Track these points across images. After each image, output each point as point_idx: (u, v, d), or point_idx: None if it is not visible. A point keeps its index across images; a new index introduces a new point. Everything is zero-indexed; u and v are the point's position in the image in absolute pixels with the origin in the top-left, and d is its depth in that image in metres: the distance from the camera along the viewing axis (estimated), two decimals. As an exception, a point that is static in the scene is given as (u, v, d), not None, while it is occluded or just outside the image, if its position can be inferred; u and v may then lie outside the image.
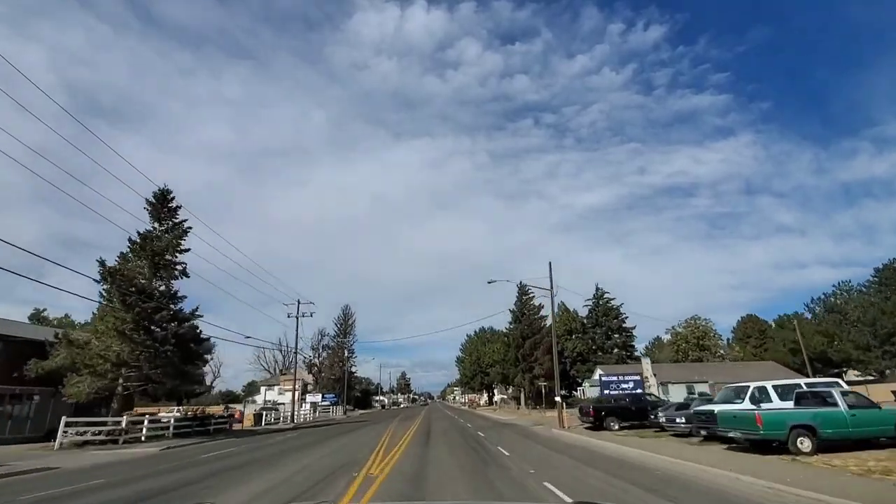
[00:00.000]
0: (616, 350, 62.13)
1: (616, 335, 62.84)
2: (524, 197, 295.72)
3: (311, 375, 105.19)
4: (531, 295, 63.76)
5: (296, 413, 43.09)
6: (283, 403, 72.78)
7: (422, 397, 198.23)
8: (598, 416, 22.63)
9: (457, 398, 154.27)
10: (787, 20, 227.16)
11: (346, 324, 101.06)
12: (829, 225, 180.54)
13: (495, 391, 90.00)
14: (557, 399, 25.04)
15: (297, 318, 39.97)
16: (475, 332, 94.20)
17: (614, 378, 26.81)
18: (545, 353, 59.72)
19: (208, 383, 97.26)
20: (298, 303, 40.40)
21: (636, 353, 66.05)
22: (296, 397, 46.73)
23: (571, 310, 67.93)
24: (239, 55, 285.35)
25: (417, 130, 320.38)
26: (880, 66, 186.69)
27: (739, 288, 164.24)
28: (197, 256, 31.57)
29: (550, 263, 27.54)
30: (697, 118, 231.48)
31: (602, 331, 62.56)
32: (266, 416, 39.14)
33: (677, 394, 44.62)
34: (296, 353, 39.88)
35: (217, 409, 40.79)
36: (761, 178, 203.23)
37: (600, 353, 62.49)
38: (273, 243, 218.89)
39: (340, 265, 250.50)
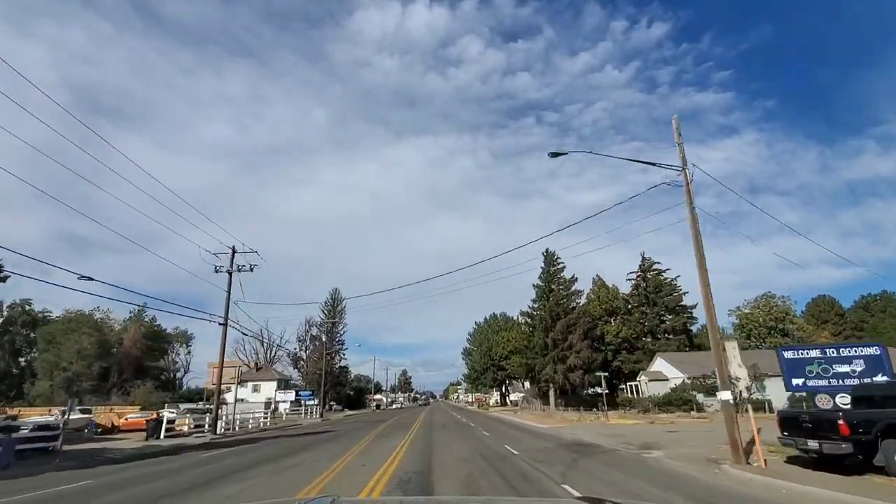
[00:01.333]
0: (669, 336, 48.13)
1: (670, 316, 48.85)
2: (526, 196, 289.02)
3: (296, 370, 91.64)
4: (560, 265, 49.91)
5: (236, 415, 29.47)
6: (244, 400, 59.20)
7: (423, 396, 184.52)
8: (864, 442, 8.76)
9: (460, 397, 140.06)
10: (791, 17, 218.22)
11: (334, 310, 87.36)
12: (834, 224, 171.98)
13: (509, 388, 76.01)
14: (743, 392, 11.17)
15: (230, 274, 26.03)
16: (485, 318, 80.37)
17: (813, 354, 12.88)
18: (582, 339, 45.78)
19: (173, 378, 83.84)
20: (233, 251, 26.43)
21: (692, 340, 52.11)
22: (234, 394, 33.18)
23: (611, 286, 53.98)
24: (240, 53, 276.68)
25: (419, 129, 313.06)
26: (886, 63, 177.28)
27: (742, 287, 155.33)
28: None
29: (676, 117, 13.58)
30: (701, 116, 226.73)
31: (654, 311, 48.55)
32: (180, 421, 25.31)
33: (777, 390, 30.80)
34: (225, 323, 25.56)
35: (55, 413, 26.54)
36: (765, 176, 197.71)
37: (650, 339, 48.58)
38: (273, 242, 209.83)
39: (341, 264, 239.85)
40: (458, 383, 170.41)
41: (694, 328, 49.10)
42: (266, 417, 36.49)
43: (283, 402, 53.65)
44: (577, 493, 7.89)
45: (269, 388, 69.94)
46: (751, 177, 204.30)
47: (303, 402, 54.50)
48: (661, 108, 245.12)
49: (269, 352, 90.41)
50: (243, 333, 30.87)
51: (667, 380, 38.70)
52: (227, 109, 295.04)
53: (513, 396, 69.49)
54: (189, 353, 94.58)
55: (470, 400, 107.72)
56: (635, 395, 41.38)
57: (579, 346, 44.12)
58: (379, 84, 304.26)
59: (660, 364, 40.16)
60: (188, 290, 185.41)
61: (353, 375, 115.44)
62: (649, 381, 39.12)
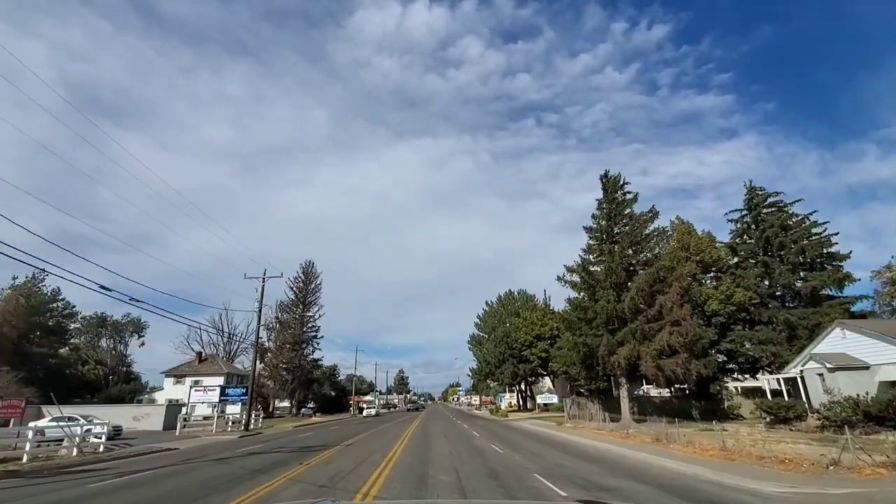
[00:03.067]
0: (824, 303, 30.07)
1: (805, 272, 30.84)
2: (526, 197, 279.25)
3: (262, 364, 73.48)
4: (630, 194, 31.73)
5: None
6: (178, 401, 41.38)
7: (420, 398, 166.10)
8: None
9: (461, 399, 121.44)
10: (793, 19, 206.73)
11: (306, 289, 69.25)
12: (834, 228, 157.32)
13: (533, 387, 57.79)
14: None
15: None
16: (498, 297, 62.34)
17: None
18: (680, 303, 27.91)
19: (105, 373, 65.70)
20: None
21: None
22: None
23: (701, 232, 36.01)
24: (240, 53, 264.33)
25: (419, 130, 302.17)
26: (887, 66, 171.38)
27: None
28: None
29: None
30: (701, 119, 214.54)
31: (783, 262, 30.52)
32: None
33: None
34: None
35: None
36: (766, 180, 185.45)
37: (772, 306, 30.58)
38: (274, 242, 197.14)
39: (341, 264, 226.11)
40: (458, 384, 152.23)
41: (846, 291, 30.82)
42: (102, 436, 18.41)
43: (201, 403, 35.70)
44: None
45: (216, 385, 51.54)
46: (751, 179, 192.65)
47: (273, 407, 36.70)
48: (662, 111, 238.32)
49: (230, 343, 72.54)
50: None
51: (866, 368, 20.77)
52: (227, 109, 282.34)
53: (539, 399, 51.20)
54: (142, 344, 76.82)
55: (474, 402, 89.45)
56: (787, 400, 23.43)
57: (678, 313, 26.04)
58: (379, 84, 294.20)
59: (840, 341, 22.13)
60: (191, 288, 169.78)
61: (343, 375, 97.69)
62: (830, 369, 21.02)
